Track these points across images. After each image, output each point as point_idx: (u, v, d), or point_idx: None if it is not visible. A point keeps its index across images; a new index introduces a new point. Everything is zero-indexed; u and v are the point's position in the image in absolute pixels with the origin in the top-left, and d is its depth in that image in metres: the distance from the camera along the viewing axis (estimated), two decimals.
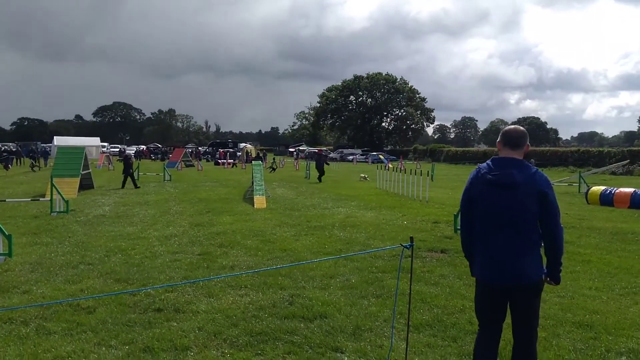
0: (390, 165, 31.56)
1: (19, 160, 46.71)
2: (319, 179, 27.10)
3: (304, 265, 7.72)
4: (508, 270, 3.50)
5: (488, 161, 3.61)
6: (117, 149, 70.96)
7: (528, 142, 3.61)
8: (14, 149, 53.60)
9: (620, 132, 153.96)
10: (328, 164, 31.81)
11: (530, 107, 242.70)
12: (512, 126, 3.66)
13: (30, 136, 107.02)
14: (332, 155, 70.34)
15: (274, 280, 7.02)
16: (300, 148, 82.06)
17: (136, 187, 22.33)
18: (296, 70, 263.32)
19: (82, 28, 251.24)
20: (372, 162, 55.42)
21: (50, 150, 50.65)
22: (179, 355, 4.62)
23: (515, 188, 3.43)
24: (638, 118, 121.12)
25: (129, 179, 22.59)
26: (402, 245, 3.59)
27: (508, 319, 3.72)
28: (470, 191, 3.67)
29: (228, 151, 61.97)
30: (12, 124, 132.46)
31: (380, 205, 16.06)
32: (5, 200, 16.02)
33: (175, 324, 5.42)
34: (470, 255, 3.80)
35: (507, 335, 4.80)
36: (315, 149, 79.31)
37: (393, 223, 12.49)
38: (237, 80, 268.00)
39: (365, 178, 29.00)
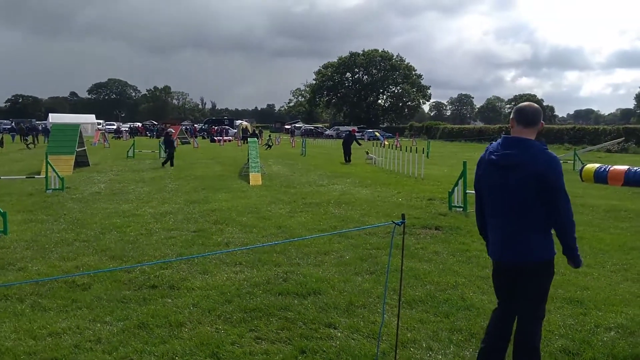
0: (385, 142, 31.51)
1: (29, 138, 46.36)
2: (347, 159, 24.54)
3: (299, 242, 7.76)
4: (507, 249, 3.48)
5: (499, 139, 3.55)
6: (114, 127, 70.34)
7: (542, 120, 3.51)
8: (15, 127, 53.49)
9: (617, 110, 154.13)
10: (360, 144, 27.62)
11: (526, 84, 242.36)
12: (526, 103, 3.57)
13: (25, 113, 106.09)
14: (327, 132, 69.97)
15: (268, 257, 7.06)
16: (297, 125, 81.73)
17: (171, 165, 21.69)
18: (291, 47, 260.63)
19: (76, 4, 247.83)
20: (368, 140, 55.25)
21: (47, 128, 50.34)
22: (173, 331, 4.66)
23: (513, 169, 3.36)
24: (634, 96, 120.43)
25: (174, 155, 22.28)
26: (393, 222, 3.59)
27: None
28: (478, 170, 3.67)
29: (224, 128, 61.70)
30: (6, 101, 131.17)
31: (375, 182, 16.08)
32: (0, 178, 15.96)
33: (170, 300, 5.47)
34: (485, 235, 3.78)
35: None
36: (311, 126, 79.02)
37: (388, 200, 12.53)
38: (232, 57, 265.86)
39: (372, 159, 24.06)
